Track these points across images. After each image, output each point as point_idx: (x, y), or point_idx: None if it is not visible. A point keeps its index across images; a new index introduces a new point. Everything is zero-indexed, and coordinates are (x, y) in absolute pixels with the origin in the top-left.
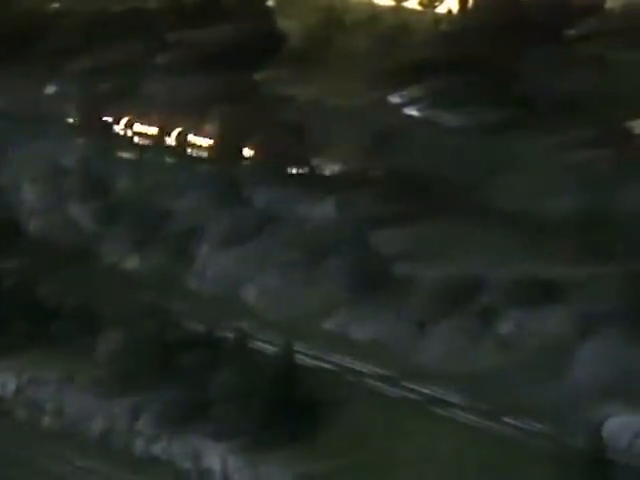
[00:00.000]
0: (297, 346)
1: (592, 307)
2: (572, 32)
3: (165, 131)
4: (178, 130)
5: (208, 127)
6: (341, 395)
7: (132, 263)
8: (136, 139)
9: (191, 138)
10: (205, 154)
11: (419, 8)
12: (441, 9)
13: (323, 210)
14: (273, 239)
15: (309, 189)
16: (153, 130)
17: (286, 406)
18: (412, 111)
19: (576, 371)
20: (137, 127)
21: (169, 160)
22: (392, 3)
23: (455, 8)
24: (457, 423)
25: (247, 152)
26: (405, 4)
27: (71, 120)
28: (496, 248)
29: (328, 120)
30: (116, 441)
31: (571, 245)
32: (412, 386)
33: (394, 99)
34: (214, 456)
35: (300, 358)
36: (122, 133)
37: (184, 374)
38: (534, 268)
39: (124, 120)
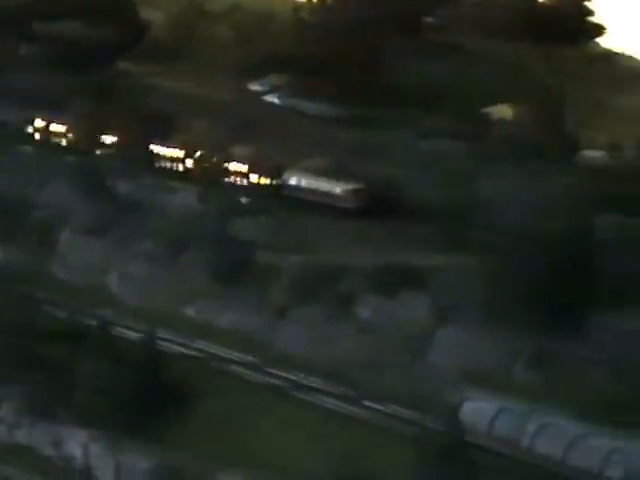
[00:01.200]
0: (161, 333)
1: (450, 294)
2: (430, 21)
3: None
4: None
5: (69, 118)
6: (205, 381)
7: None
8: None
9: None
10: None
11: None
12: None
13: (185, 200)
14: (135, 228)
15: (171, 179)
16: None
17: (149, 393)
18: (272, 99)
19: (434, 356)
20: None
21: (31, 151)
22: None
23: None
24: (319, 408)
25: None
26: None
27: None
28: (356, 236)
29: (190, 109)
30: None
31: (431, 234)
32: (274, 372)
33: (255, 88)
34: (75, 443)
35: (164, 345)
36: None
37: (47, 362)
38: (394, 256)
39: None
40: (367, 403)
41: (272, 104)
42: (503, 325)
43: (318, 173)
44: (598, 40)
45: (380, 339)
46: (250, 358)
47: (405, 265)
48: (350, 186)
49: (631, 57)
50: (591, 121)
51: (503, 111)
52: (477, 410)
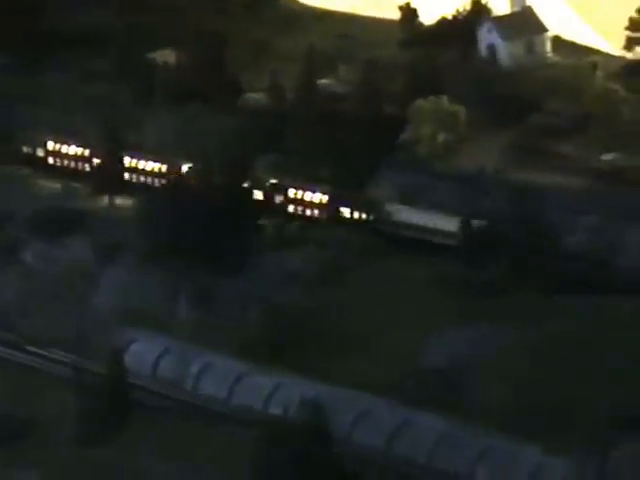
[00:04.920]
0: None
1: (111, 237)
2: None
3: None
4: None
5: None
6: None
7: None
8: None
9: None
10: None
11: None
12: None
13: None
14: None
15: None
16: None
17: None
18: None
19: (98, 299)
20: None
21: None
22: None
23: None
24: None
25: None
26: None
27: None
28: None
29: None
30: None
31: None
32: None
33: None
34: None
35: None
36: None
37: None
38: (58, 200)
39: None
40: (30, 348)
41: None
42: (164, 267)
43: None
44: None
45: (43, 283)
46: None
47: (69, 209)
48: None
49: None
50: (253, 63)
51: (166, 55)
52: (140, 352)
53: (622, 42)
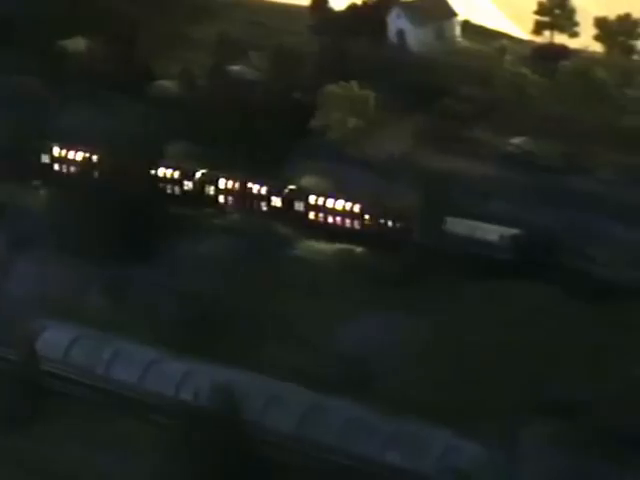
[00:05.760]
0: None
1: (25, 226)
2: None
3: None
4: None
5: None
6: None
7: None
8: None
9: None
10: None
11: None
12: None
13: None
14: None
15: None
16: None
17: None
18: None
19: (10, 287)
20: None
21: None
22: None
23: None
24: None
25: None
26: None
27: None
28: None
29: None
30: None
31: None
32: None
33: None
34: None
35: None
36: None
37: None
38: None
39: None
40: None
41: None
42: (77, 255)
43: None
44: None
45: None
46: None
47: None
48: None
49: None
50: (165, 51)
51: (78, 43)
52: (52, 339)
53: (531, 26)
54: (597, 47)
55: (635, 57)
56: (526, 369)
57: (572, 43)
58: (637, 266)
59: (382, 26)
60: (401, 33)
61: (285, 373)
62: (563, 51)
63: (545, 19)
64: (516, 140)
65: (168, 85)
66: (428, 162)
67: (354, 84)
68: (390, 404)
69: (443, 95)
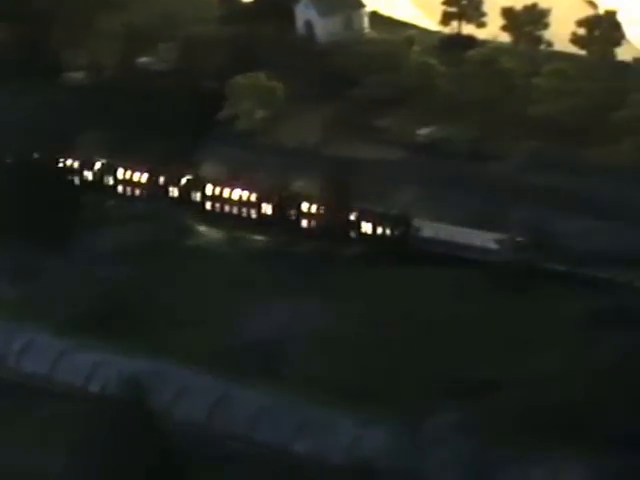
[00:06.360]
0: None
1: None
2: None
3: None
4: None
5: None
6: None
7: None
8: None
9: None
10: None
11: None
12: None
13: None
14: None
15: None
16: None
17: None
18: None
19: None
20: None
21: None
22: None
23: None
24: None
25: None
26: None
27: None
28: None
29: None
30: None
31: None
32: None
33: None
34: None
35: None
36: None
37: None
38: None
39: None
40: None
41: None
42: None
43: None
44: None
45: None
46: None
47: None
48: None
49: None
50: (74, 41)
51: None
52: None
53: (439, 17)
54: (505, 37)
55: (542, 47)
56: (434, 355)
57: (480, 33)
58: (540, 249)
59: (290, 17)
60: (309, 24)
61: (197, 361)
62: (471, 41)
63: (453, 9)
64: (424, 129)
65: (77, 75)
66: (336, 150)
67: (261, 75)
68: (299, 391)
69: (352, 85)
